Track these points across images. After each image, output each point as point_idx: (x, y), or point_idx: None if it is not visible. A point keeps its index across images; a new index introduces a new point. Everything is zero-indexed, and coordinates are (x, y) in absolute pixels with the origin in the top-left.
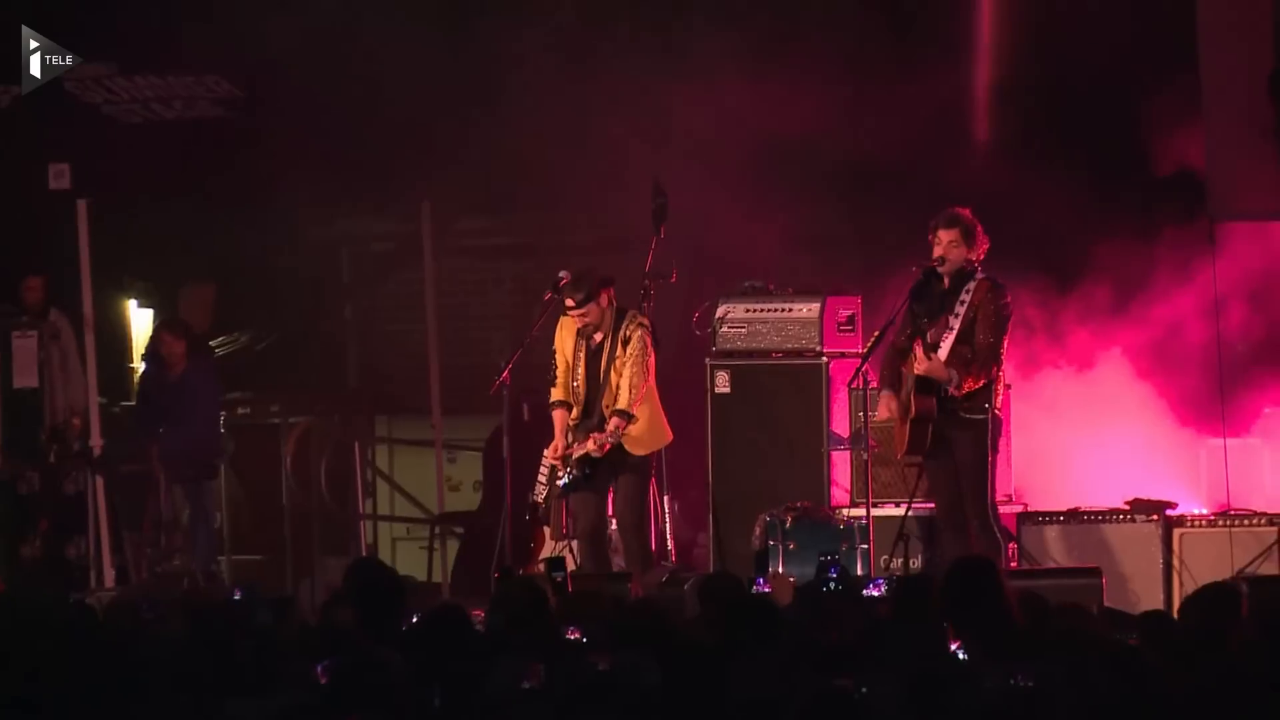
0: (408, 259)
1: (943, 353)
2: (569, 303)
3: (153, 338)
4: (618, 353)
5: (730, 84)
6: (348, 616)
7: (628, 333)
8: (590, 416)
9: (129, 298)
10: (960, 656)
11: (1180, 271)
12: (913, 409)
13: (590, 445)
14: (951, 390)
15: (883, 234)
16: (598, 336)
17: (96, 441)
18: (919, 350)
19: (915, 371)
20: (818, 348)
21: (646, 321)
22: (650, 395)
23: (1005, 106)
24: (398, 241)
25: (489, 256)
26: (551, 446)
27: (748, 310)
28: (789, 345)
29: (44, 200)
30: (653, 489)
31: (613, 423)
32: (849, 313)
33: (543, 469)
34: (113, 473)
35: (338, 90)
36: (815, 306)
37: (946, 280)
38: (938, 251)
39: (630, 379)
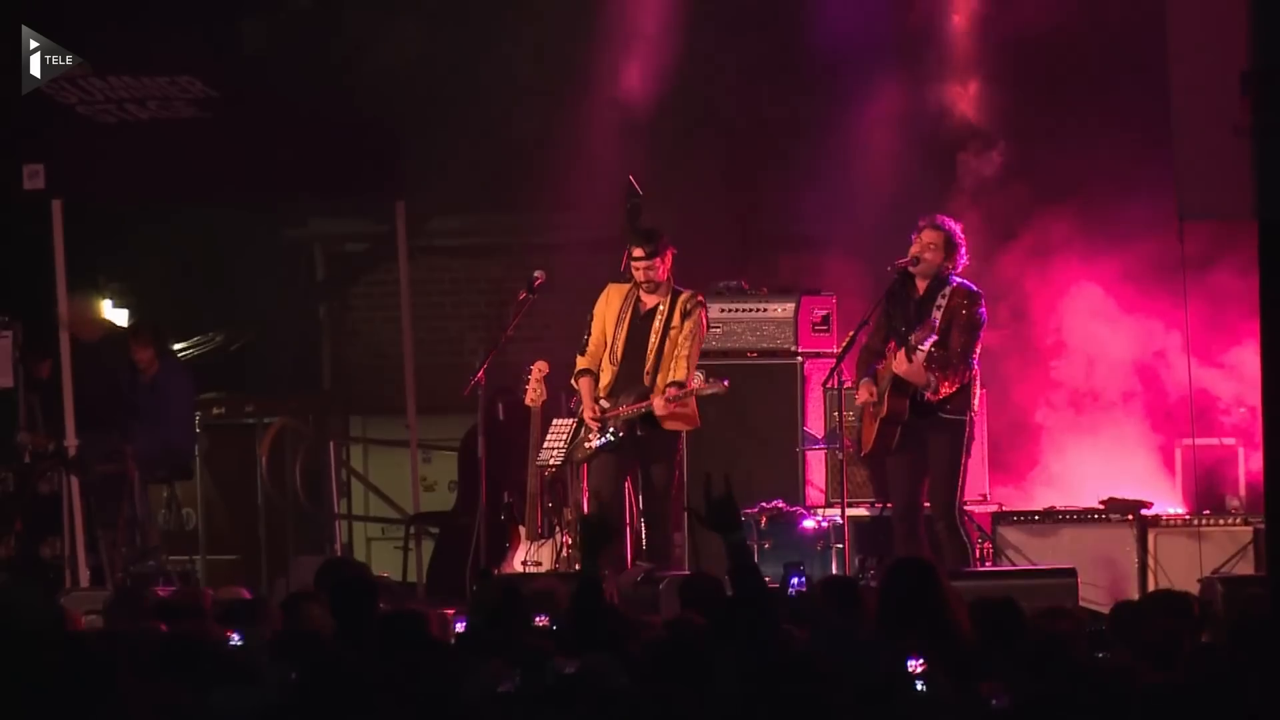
0: (382, 259)
1: (919, 356)
2: (637, 252)
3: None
4: (674, 322)
5: (709, 83)
6: (312, 615)
7: (688, 307)
8: (628, 381)
9: (104, 298)
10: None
11: (1151, 269)
12: (885, 408)
13: (658, 404)
14: (929, 395)
15: (859, 234)
16: (650, 301)
17: (71, 442)
18: (900, 351)
19: (895, 372)
20: (793, 347)
21: (704, 301)
22: None
23: (981, 111)
24: (372, 241)
25: (463, 256)
26: (587, 410)
27: (723, 310)
28: (764, 345)
29: (18, 200)
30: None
31: (671, 390)
32: (824, 312)
33: (555, 435)
34: (87, 473)
35: (312, 90)
36: (790, 306)
37: (922, 286)
38: (914, 250)
39: (690, 354)
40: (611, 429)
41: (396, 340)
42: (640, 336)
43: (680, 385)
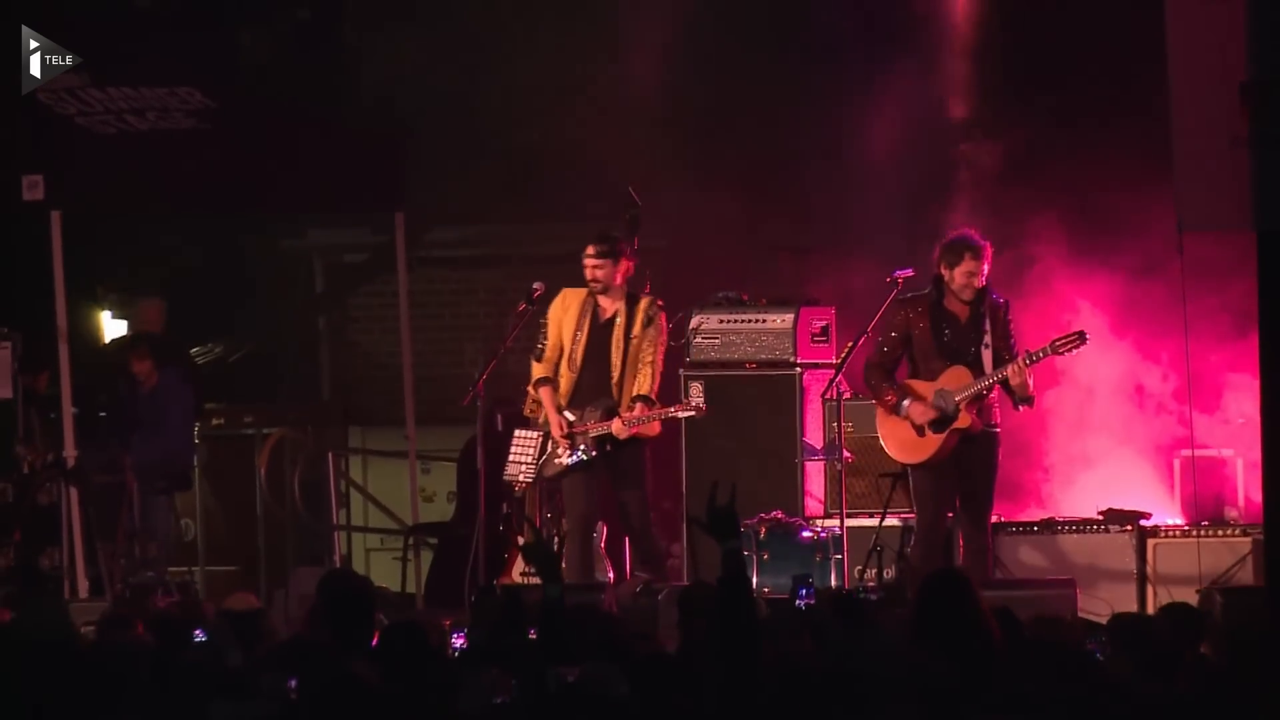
0: (381, 270)
1: (988, 365)
2: (589, 250)
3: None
4: (635, 330)
5: (708, 93)
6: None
7: (650, 313)
8: (591, 392)
9: (103, 309)
10: None
11: (1151, 281)
12: (965, 419)
13: (616, 425)
14: (1028, 404)
15: (858, 245)
16: (608, 309)
17: (70, 453)
18: (1013, 365)
19: (1013, 384)
20: (791, 358)
21: (663, 304)
22: None
23: (985, 117)
24: (371, 252)
25: (462, 267)
26: (554, 425)
27: (721, 321)
28: (763, 356)
29: (17, 211)
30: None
31: (639, 408)
32: (823, 323)
33: (521, 449)
34: (86, 484)
35: (310, 101)
36: (789, 317)
37: (966, 305)
38: (963, 280)
39: (654, 361)
40: (583, 447)
41: (395, 351)
42: (601, 345)
43: (648, 400)
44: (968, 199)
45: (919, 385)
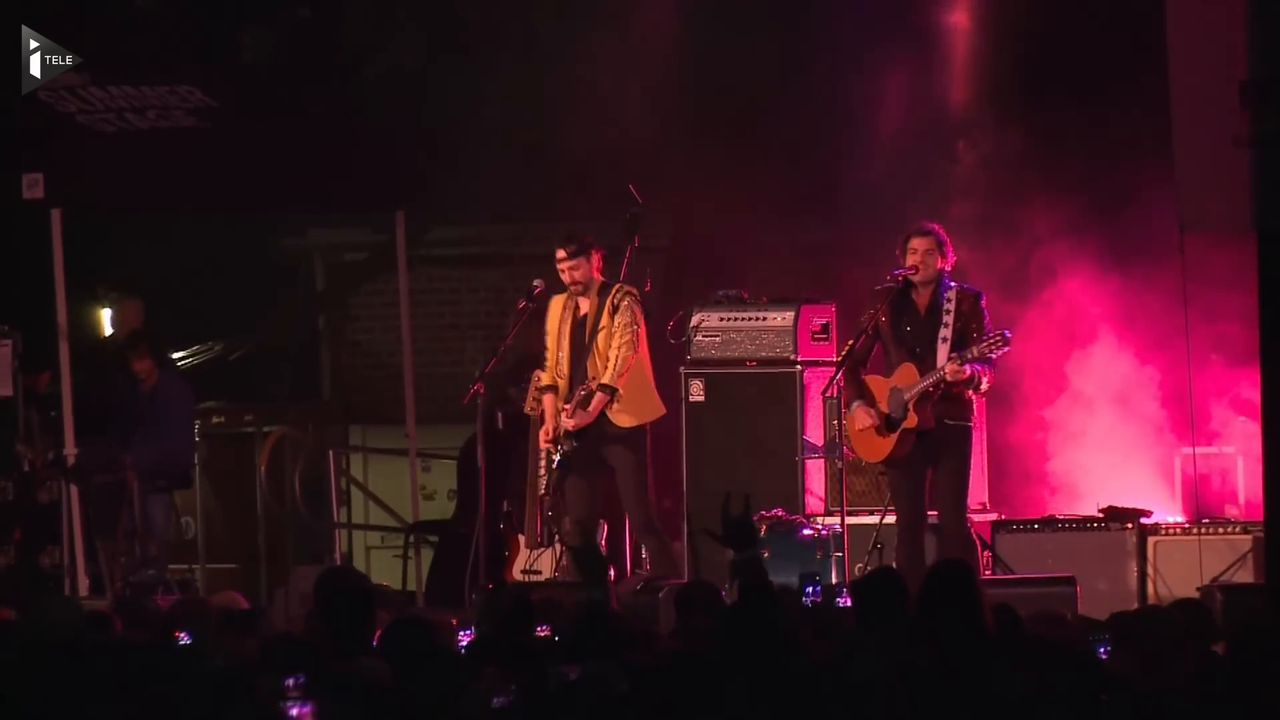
0: (381, 268)
1: (942, 359)
2: (560, 254)
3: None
4: (603, 321)
5: (709, 91)
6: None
7: (616, 300)
8: (577, 390)
9: (103, 307)
10: None
11: (1152, 280)
12: (913, 419)
13: (568, 423)
14: (975, 392)
15: (857, 243)
16: (583, 307)
17: (70, 451)
18: (950, 363)
19: (948, 378)
20: (792, 356)
21: (635, 291)
22: (641, 366)
23: (984, 118)
24: (371, 251)
25: (463, 265)
26: (543, 430)
27: (722, 319)
28: (763, 354)
29: (18, 209)
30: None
31: (596, 398)
32: (823, 321)
33: (540, 459)
34: (87, 482)
35: (311, 99)
36: (790, 315)
37: (924, 295)
38: (912, 260)
39: (618, 349)
40: (562, 448)
41: (396, 349)
42: (579, 345)
43: (606, 388)
44: (971, 197)
45: (876, 383)
